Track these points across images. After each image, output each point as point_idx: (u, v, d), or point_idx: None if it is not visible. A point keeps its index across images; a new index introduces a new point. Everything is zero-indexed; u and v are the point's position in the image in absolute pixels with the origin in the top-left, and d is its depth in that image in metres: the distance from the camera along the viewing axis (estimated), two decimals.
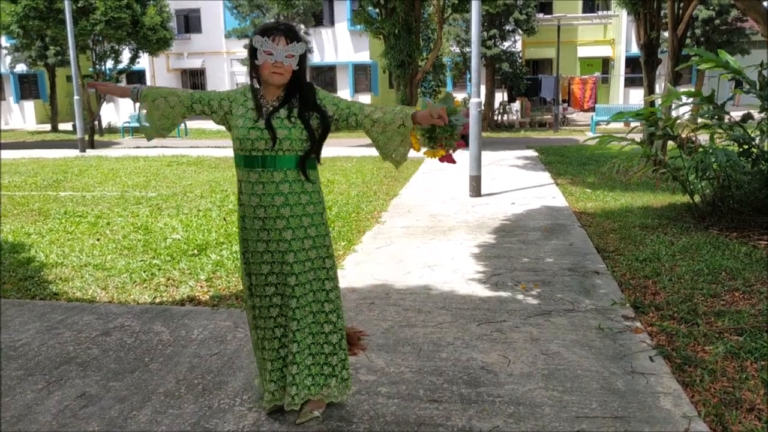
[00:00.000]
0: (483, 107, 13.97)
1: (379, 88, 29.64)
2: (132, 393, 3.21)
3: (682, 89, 7.55)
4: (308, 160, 2.75)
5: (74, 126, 19.97)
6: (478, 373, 3.36)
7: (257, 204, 2.72)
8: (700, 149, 6.69)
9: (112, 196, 9.31)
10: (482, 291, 4.72)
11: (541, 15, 26.05)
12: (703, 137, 7.20)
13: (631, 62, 26.34)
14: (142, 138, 22.56)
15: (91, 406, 3.09)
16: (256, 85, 2.78)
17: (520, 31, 22.98)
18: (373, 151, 15.46)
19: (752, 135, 6.72)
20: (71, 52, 17.17)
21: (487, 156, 12.20)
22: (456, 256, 5.71)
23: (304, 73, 2.75)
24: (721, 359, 3.43)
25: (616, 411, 2.95)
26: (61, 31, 18.30)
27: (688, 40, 18.07)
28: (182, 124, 22.53)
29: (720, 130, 6.83)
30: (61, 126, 26.85)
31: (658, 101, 8.83)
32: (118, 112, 29.62)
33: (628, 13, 18.45)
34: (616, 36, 28.23)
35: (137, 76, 29.00)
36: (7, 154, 16.52)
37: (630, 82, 26.83)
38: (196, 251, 5.99)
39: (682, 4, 11.49)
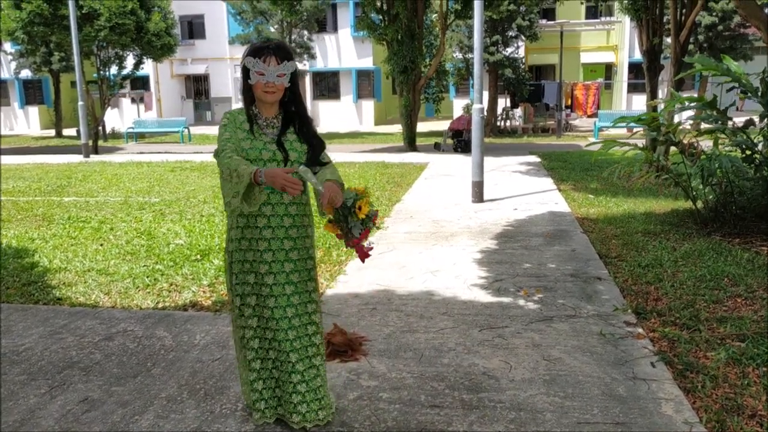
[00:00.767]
0: (486, 113, 14.01)
1: (382, 94, 29.69)
2: (134, 398, 3.23)
3: (684, 95, 7.56)
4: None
5: (78, 131, 20.03)
6: (479, 378, 3.36)
7: (264, 225, 2.72)
8: (703, 155, 6.70)
9: (115, 202, 9.34)
10: (484, 297, 4.73)
11: (543, 21, 26.10)
12: (705, 143, 7.19)
13: (634, 68, 26.34)
14: (145, 143, 22.64)
15: (93, 411, 3.10)
16: (252, 107, 2.72)
17: (523, 37, 23.01)
18: (376, 157, 15.55)
19: (755, 141, 6.72)
20: (75, 58, 17.24)
21: (489, 162, 12.20)
22: (458, 262, 5.71)
23: (298, 88, 2.76)
24: (723, 365, 3.43)
25: (618, 417, 2.95)
26: (65, 37, 18.39)
27: (690, 46, 18.14)
28: (185, 130, 22.61)
29: (723, 136, 6.83)
30: (66, 131, 26.95)
31: (661, 106, 8.83)
32: (121, 117, 29.71)
33: (630, 19, 18.50)
34: (618, 42, 28.25)
35: (141, 82, 29.08)
36: (12, 160, 16.60)
37: (633, 88, 26.81)
38: (198, 256, 6.01)
39: (684, 11, 11.52)
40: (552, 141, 19.77)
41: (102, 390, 3.32)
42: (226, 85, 30.17)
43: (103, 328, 4.23)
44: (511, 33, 22.51)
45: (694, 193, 6.90)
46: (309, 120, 2.81)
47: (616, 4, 15.68)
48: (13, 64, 26.86)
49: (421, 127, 20.95)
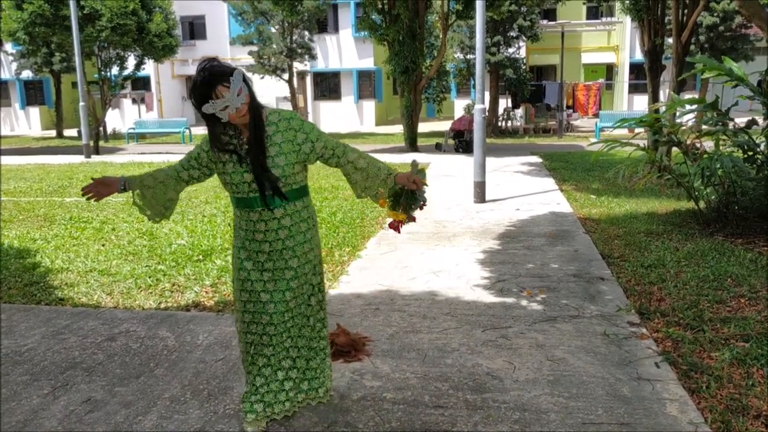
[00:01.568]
0: (487, 113, 14.00)
1: (383, 95, 29.68)
2: (137, 398, 3.22)
3: (686, 95, 7.55)
4: (300, 188, 2.77)
5: (79, 132, 20.04)
6: (483, 379, 3.36)
7: (262, 239, 2.75)
8: (705, 155, 6.68)
9: (117, 202, 9.33)
10: (487, 297, 4.72)
11: (545, 21, 26.08)
12: (708, 143, 7.18)
13: (635, 68, 26.33)
14: (146, 144, 22.64)
15: (96, 411, 3.10)
16: (228, 132, 2.70)
17: (524, 38, 23.00)
18: (377, 157, 15.36)
19: (757, 141, 6.71)
20: (77, 59, 17.24)
21: (491, 162, 12.18)
22: (461, 262, 5.71)
23: (254, 95, 2.67)
24: (728, 366, 3.42)
25: (622, 417, 2.94)
26: (66, 38, 18.40)
27: (692, 47, 18.10)
28: (186, 131, 22.60)
29: (724, 137, 6.82)
30: (66, 132, 26.94)
31: (663, 109, 8.82)
32: (123, 118, 29.71)
33: (632, 20, 18.46)
34: (620, 42, 28.25)
35: (142, 83, 29.08)
36: (13, 160, 16.61)
37: (634, 89, 26.81)
38: (201, 257, 6.00)
39: (686, 11, 11.51)
40: (553, 141, 19.76)
41: (105, 390, 3.31)
42: None
43: (106, 328, 4.23)
44: (512, 33, 22.50)
45: (697, 193, 6.89)
46: (261, 133, 2.66)
47: (618, 5, 15.66)
48: (14, 65, 26.82)
49: (422, 127, 20.92)
